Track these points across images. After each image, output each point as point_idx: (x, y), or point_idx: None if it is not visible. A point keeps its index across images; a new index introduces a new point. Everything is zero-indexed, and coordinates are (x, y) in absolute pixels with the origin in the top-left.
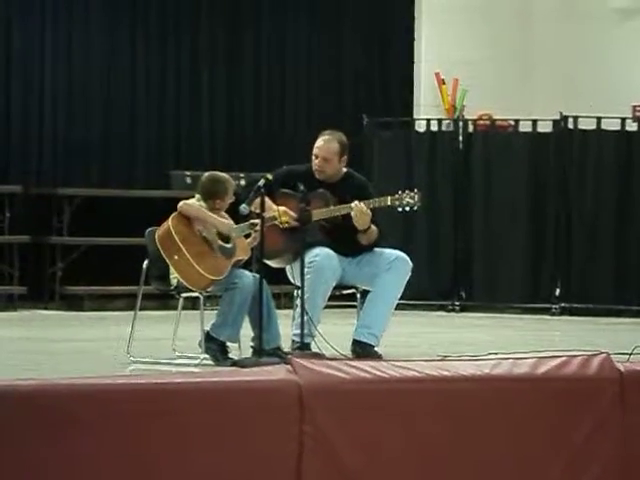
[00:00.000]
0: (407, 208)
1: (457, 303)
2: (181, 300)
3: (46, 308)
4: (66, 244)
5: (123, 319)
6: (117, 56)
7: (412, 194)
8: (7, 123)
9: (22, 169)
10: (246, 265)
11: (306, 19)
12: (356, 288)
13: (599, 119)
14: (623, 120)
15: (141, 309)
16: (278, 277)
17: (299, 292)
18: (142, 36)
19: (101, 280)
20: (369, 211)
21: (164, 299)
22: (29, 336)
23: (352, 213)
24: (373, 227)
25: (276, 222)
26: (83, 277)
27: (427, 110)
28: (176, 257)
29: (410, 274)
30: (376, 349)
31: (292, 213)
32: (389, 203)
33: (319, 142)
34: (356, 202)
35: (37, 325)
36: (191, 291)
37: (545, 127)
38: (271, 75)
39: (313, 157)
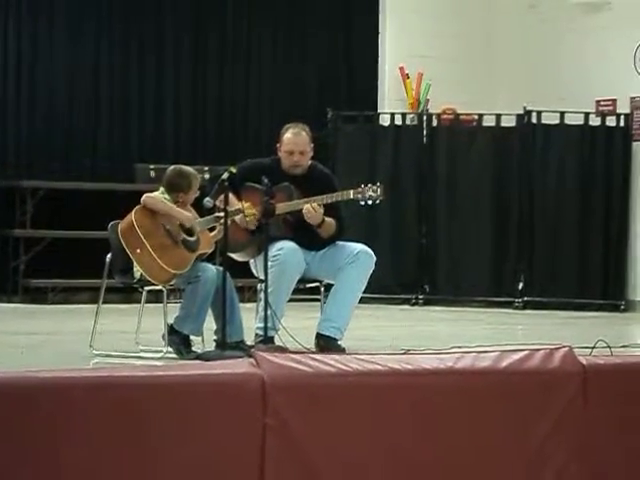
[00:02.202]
0: (370, 201)
1: (420, 297)
2: (144, 293)
3: (9, 301)
4: (29, 237)
5: (87, 312)
6: (81, 48)
7: (375, 187)
8: None
9: None
10: (210, 258)
11: (270, 12)
12: (320, 282)
13: (562, 114)
14: (587, 115)
15: (105, 302)
16: (242, 270)
17: (263, 285)
18: (106, 27)
19: (65, 273)
20: (321, 209)
21: (128, 292)
22: None
23: (303, 211)
24: (328, 220)
25: (239, 217)
26: (47, 270)
27: (391, 104)
28: (138, 251)
29: (373, 268)
30: (339, 343)
31: (257, 213)
32: (352, 196)
33: (289, 137)
34: (307, 204)
35: (0, 318)
36: (154, 284)
37: (509, 121)
38: (235, 68)
39: (286, 154)
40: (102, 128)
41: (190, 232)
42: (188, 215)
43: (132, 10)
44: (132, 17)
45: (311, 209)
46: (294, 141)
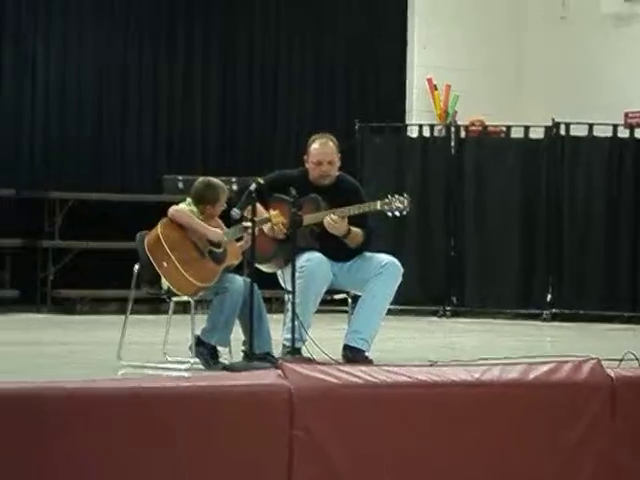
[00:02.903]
0: (397, 213)
1: (448, 308)
2: (172, 304)
3: (38, 312)
4: (58, 248)
5: (115, 323)
6: (110, 60)
7: (402, 199)
8: None
9: (14, 172)
10: (238, 269)
11: (298, 25)
12: (347, 293)
13: (591, 126)
14: (615, 127)
15: (133, 313)
16: (269, 281)
17: (290, 297)
18: (135, 40)
19: (93, 284)
20: (343, 219)
21: (156, 303)
22: (20, 340)
23: (325, 224)
24: (355, 230)
25: (267, 227)
26: (75, 281)
27: (419, 115)
28: (165, 264)
29: (401, 279)
30: (367, 354)
31: (284, 221)
32: (379, 207)
33: (317, 147)
34: (327, 217)
35: (29, 329)
36: (182, 296)
37: (537, 133)
38: (264, 80)
39: (314, 165)
40: (130, 139)
41: (217, 244)
42: (214, 231)
43: (161, 23)
44: (161, 30)
45: (331, 221)
46: (322, 151)
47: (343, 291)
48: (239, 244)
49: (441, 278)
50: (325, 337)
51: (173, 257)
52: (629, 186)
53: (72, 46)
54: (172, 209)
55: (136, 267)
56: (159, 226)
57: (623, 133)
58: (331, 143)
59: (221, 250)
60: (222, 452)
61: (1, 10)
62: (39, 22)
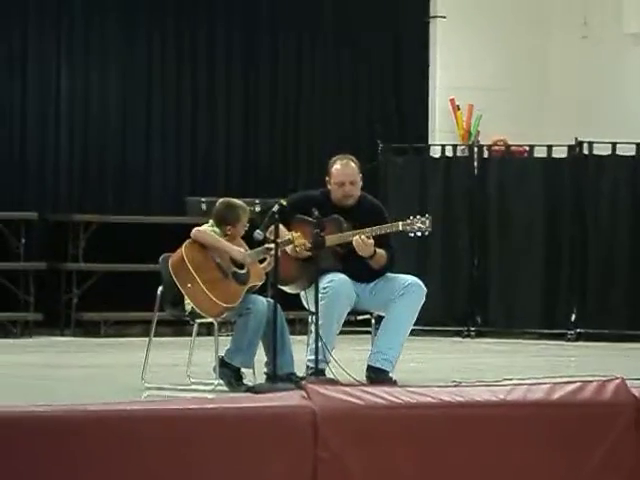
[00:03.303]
0: (419, 233)
1: (472, 329)
2: (195, 326)
3: (62, 334)
4: (82, 270)
5: (138, 345)
6: (133, 83)
7: (423, 219)
8: (23, 149)
9: (38, 195)
10: (261, 291)
11: (322, 47)
12: (370, 314)
13: (614, 145)
14: (638, 145)
15: (156, 335)
16: (293, 303)
17: (313, 318)
18: (158, 62)
19: (117, 306)
20: (371, 240)
21: (179, 325)
22: (44, 362)
23: (353, 244)
24: (379, 251)
25: (290, 248)
26: (99, 303)
27: (442, 136)
28: (189, 285)
29: (424, 299)
30: (390, 375)
31: (306, 242)
32: (400, 228)
33: (339, 168)
34: (356, 237)
35: (52, 351)
36: (205, 317)
37: (560, 153)
38: (286, 102)
39: (336, 185)
40: (154, 161)
41: (240, 265)
42: (238, 249)
43: (184, 47)
44: (183, 53)
45: (360, 242)
46: (344, 172)
47: (366, 312)
48: (262, 265)
49: (465, 298)
50: (348, 358)
51: (198, 278)
52: None
53: (95, 68)
54: (195, 230)
55: (159, 289)
56: (183, 248)
57: None
58: (352, 164)
59: (244, 271)
60: (246, 474)
61: (24, 36)
62: (62, 46)
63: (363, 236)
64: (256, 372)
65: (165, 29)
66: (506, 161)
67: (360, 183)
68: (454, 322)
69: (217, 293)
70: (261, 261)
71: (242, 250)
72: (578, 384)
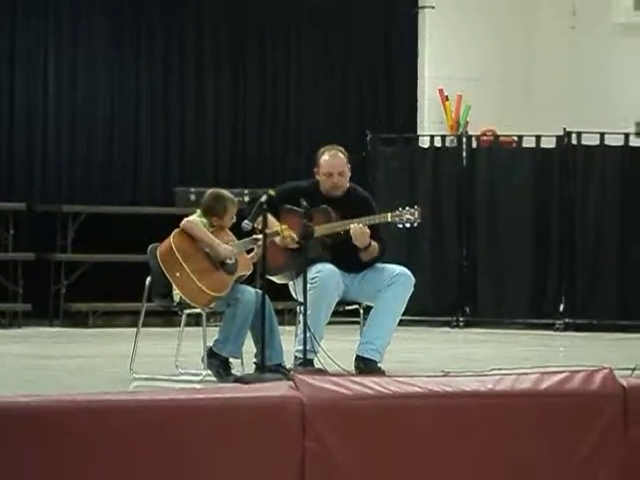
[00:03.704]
0: (407, 224)
1: (461, 319)
2: (184, 317)
3: (50, 325)
4: (70, 261)
5: (127, 336)
6: (121, 73)
7: (412, 210)
8: (11, 140)
9: (26, 186)
10: (249, 281)
11: (310, 35)
12: (359, 304)
13: (602, 135)
14: (627, 136)
15: (145, 326)
16: (281, 293)
17: (302, 308)
18: (146, 53)
19: (105, 297)
20: (367, 229)
21: (168, 316)
22: (33, 353)
23: (351, 232)
24: (373, 243)
25: (278, 238)
26: (87, 294)
27: (430, 126)
28: (178, 274)
29: (413, 290)
30: (379, 365)
31: (294, 234)
32: (389, 219)
33: (327, 159)
34: (354, 224)
35: (41, 342)
36: (194, 308)
37: (549, 143)
38: (275, 91)
39: (324, 176)
40: (142, 152)
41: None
42: (224, 246)
43: (172, 36)
44: (172, 43)
45: (358, 230)
46: (331, 163)
47: (355, 302)
48: (250, 255)
49: (454, 288)
50: (337, 348)
51: (186, 267)
52: None
53: (83, 59)
54: (184, 221)
55: (148, 280)
56: (171, 237)
57: (635, 142)
58: (341, 154)
59: (232, 261)
60: (234, 464)
61: (12, 25)
62: (50, 37)
63: (361, 224)
64: (244, 362)
65: (153, 20)
66: (495, 151)
67: (349, 174)
68: (443, 312)
69: (205, 282)
70: (248, 251)
71: (228, 247)
72: (566, 374)
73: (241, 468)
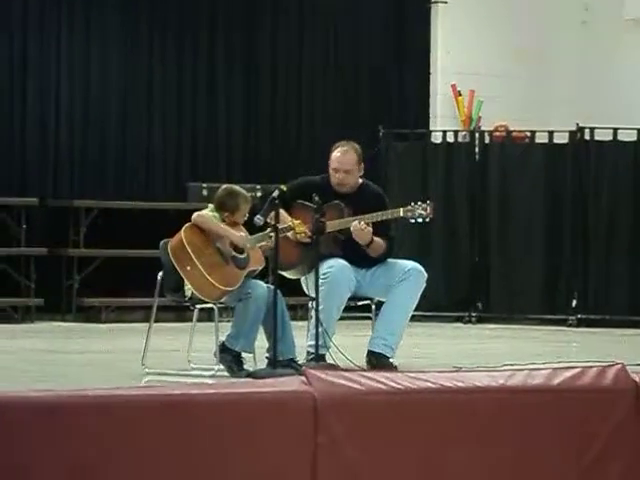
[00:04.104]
0: (419, 219)
1: (474, 314)
2: (196, 312)
3: (63, 320)
4: (83, 256)
5: (139, 331)
6: (134, 68)
7: (424, 205)
8: (24, 135)
9: (39, 181)
10: (262, 276)
11: (322, 30)
12: (371, 299)
13: (615, 130)
14: (639, 131)
15: (157, 321)
16: (293, 288)
17: (314, 303)
18: (159, 47)
19: (118, 292)
20: (369, 228)
21: (180, 311)
22: (45, 348)
23: (351, 230)
24: (377, 240)
25: (290, 233)
26: (100, 289)
27: (443, 121)
28: (188, 268)
29: (425, 285)
30: (391, 360)
31: (307, 229)
32: (401, 214)
33: (336, 155)
34: (355, 222)
35: (53, 337)
36: (205, 302)
37: (561, 138)
38: (288, 87)
39: (332, 171)
40: (155, 147)
41: (240, 249)
42: (239, 234)
43: (184, 31)
44: (185, 36)
45: (359, 227)
46: (340, 160)
47: (367, 298)
48: (261, 246)
49: (466, 284)
50: (349, 344)
51: (197, 261)
52: None
53: (96, 54)
54: (195, 214)
55: (160, 275)
56: (182, 231)
57: None
58: (352, 152)
59: (244, 256)
60: (246, 459)
61: (25, 19)
62: (62, 32)
63: (362, 222)
64: (257, 357)
65: (166, 14)
66: (507, 147)
67: (360, 172)
68: (455, 308)
69: (216, 276)
70: (261, 246)
71: (242, 235)
72: (578, 370)
73: (253, 463)
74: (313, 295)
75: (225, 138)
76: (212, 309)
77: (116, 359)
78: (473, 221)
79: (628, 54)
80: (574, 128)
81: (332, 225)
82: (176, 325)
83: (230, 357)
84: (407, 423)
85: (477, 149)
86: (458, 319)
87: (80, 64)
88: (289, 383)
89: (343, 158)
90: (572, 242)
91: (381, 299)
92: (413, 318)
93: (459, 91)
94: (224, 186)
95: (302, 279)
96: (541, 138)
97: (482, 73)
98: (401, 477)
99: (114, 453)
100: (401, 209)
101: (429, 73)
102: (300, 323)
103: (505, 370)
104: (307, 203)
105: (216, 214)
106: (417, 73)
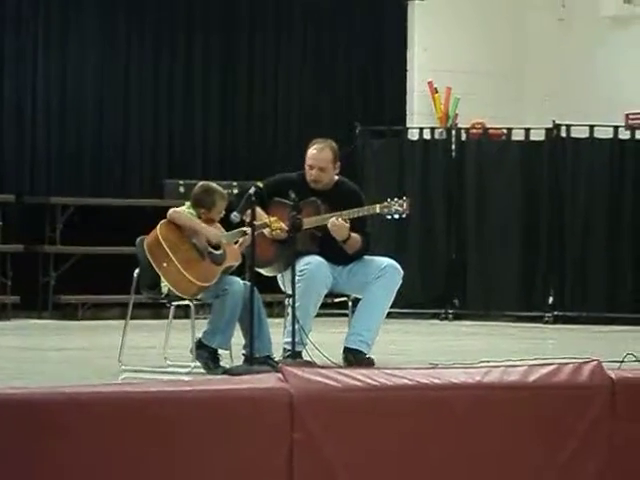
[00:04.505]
0: (396, 216)
1: (450, 311)
2: (172, 309)
3: (39, 317)
4: (59, 253)
5: (116, 328)
6: (110, 65)
7: (401, 202)
8: (0, 132)
9: (15, 178)
10: (238, 273)
11: (299, 28)
12: (347, 296)
13: (592, 127)
14: (616, 128)
15: (133, 318)
16: (270, 285)
17: (290, 300)
18: (135, 44)
19: (94, 289)
20: (346, 223)
21: (156, 308)
22: (22, 345)
23: (329, 226)
24: (354, 236)
25: (267, 230)
26: (76, 286)
27: (420, 119)
28: (165, 264)
29: (401, 282)
30: (367, 356)
31: (283, 225)
32: (378, 211)
33: (312, 152)
34: (333, 218)
35: (30, 334)
36: (182, 299)
37: (538, 136)
38: (264, 84)
39: (307, 168)
40: (131, 144)
41: (216, 246)
42: (213, 231)
43: (161, 27)
44: (161, 33)
45: (337, 223)
46: (315, 157)
47: (343, 294)
48: (238, 244)
49: (443, 281)
50: (325, 340)
51: (173, 257)
52: (630, 187)
53: (73, 51)
54: (171, 210)
55: (136, 272)
56: (158, 227)
57: (624, 134)
58: (328, 150)
59: (220, 252)
60: (222, 456)
61: (1, 17)
62: (39, 32)
63: (340, 218)
64: (233, 354)
65: (144, 14)
66: (484, 144)
67: (335, 170)
68: (432, 304)
69: (193, 272)
70: (237, 243)
71: (217, 232)
72: (554, 366)
73: (229, 460)
74: (290, 292)
75: (202, 135)
76: (188, 306)
77: (93, 356)
78: (450, 218)
79: (604, 52)
80: (550, 125)
81: (309, 222)
82: (152, 322)
83: (206, 354)
84: (383, 420)
85: (454, 146)
86: (434, 316)
87: (57, 62)
88: (265, 380)
89: (319, 155)
90: (548, 239)
91: (357, 296)
92: (390, 315)
93: (436, 88)
94: (200, 183)
95: (279, 276)
96: (517, 135)
97: (459, 70)
98: (377, 473)
99: (91, 449)
100: (377, 205)
101: (406, 70)
102: (277, 320)
103: (481, 367)
104: (284, 200)
105: (192, 211)
106: (394, 70)
